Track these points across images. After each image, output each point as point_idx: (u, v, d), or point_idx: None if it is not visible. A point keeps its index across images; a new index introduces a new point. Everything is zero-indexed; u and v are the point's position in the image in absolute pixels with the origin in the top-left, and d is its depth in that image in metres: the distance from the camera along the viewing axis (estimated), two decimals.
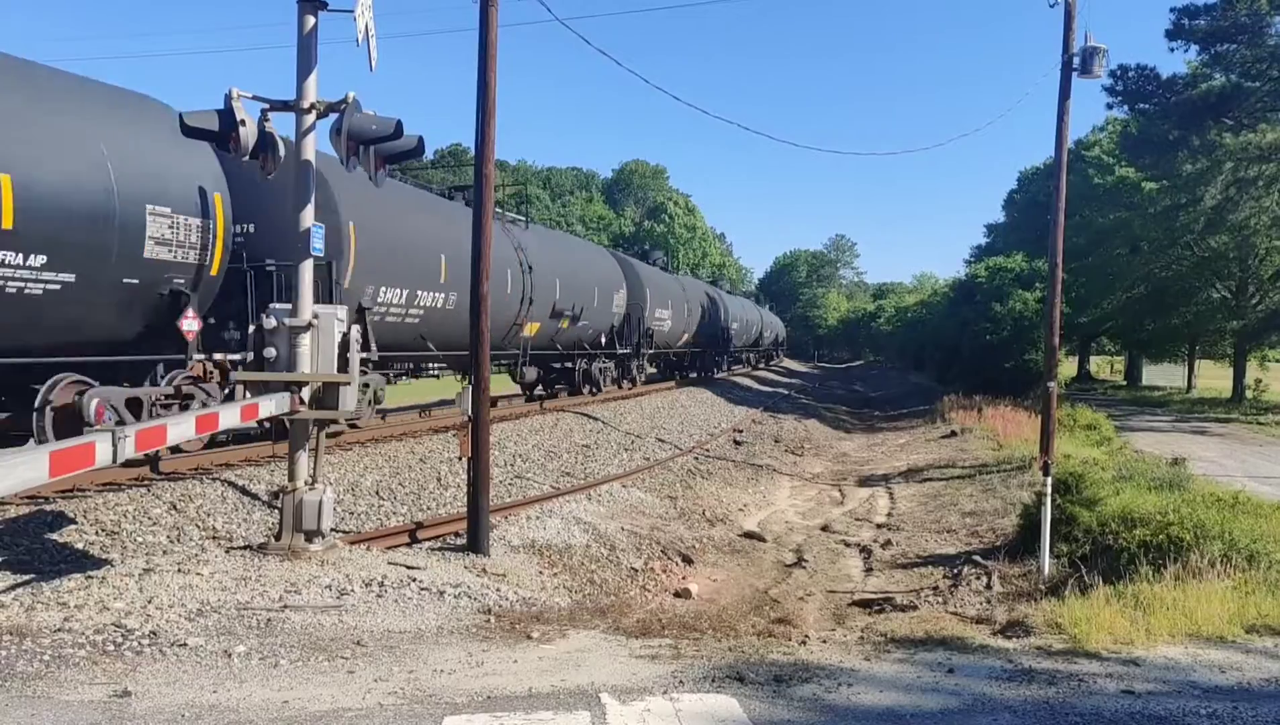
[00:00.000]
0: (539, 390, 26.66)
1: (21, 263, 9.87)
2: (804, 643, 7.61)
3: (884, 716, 5.58)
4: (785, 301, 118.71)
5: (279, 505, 9.32)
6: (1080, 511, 12.00)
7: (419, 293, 17.00)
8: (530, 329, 23.18)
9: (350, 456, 14.48)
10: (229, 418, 7.95)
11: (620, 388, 31.00)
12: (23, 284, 9.96)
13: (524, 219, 25.11)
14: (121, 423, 10.80)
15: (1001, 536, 13.97)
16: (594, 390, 28.23)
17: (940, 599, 11.29)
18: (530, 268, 22.42)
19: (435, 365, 19.87)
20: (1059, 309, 17.39)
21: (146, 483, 11.60)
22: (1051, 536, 11.56)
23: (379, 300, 15.82)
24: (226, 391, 12.61)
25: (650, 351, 34.83)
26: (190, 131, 8.65)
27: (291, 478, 9.18)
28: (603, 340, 29.09)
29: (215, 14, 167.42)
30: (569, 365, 27.31)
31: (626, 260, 34.41)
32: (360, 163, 8.95)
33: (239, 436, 13.90)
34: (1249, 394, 39.89)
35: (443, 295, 17.67)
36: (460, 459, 12.07)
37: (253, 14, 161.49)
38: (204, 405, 12.19)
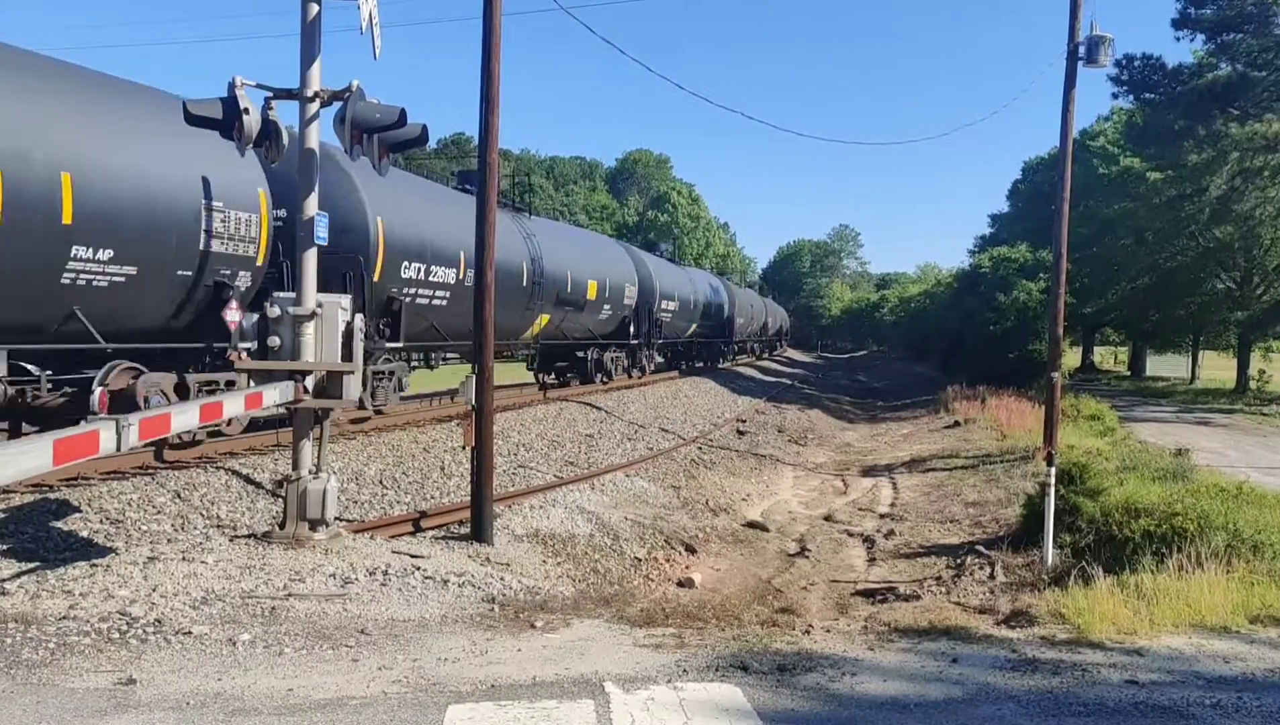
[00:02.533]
0: (550, 378, 27.24)
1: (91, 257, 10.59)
2: (807, 632, 7.62)
3: (888, 706, 5.59)
4: (789, 291, 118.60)
5: (283, 494, 9.34)
6: (1084, 502, 11.98)
7: (440, 283, 17.76)
8: (541, 320, 23.77)
9: (354, 445, 14.49)
10: (233, 406, 7.95)
11: (630, 377, 31.52)
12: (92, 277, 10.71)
13: (527, 209, 25.86)
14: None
15: (1005, 527, 13.96)
16: (605, 379, 28.76)
17: (944, 589, 11.29)
18: (540, 258, 22.76)
19: (450, 353, 20.66)
20: (1063, 299, 17.36)
21: (151, 471, 11.62)
22: (1055, 527, 11.54)
23: (404, 292, 16.64)
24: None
25: (660, 341, 35.40)
26: (194, 119, 8.63)
27: (295, 466, 9.19)
28: (614, 330, 29.73)
29: (218, 2, 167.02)
30: (580, 354, 27.80)
31: (636, 252, 34.96)
32: (364, 151, 8.93)
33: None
34: (1253, 385, 39.75)
35: (452, 272, 18.38)
36: (464, 448, 12.08)
37: (256, 2, 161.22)
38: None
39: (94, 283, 10.67)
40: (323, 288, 9.34)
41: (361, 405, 15.52)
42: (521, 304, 21.97)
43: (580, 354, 27.81)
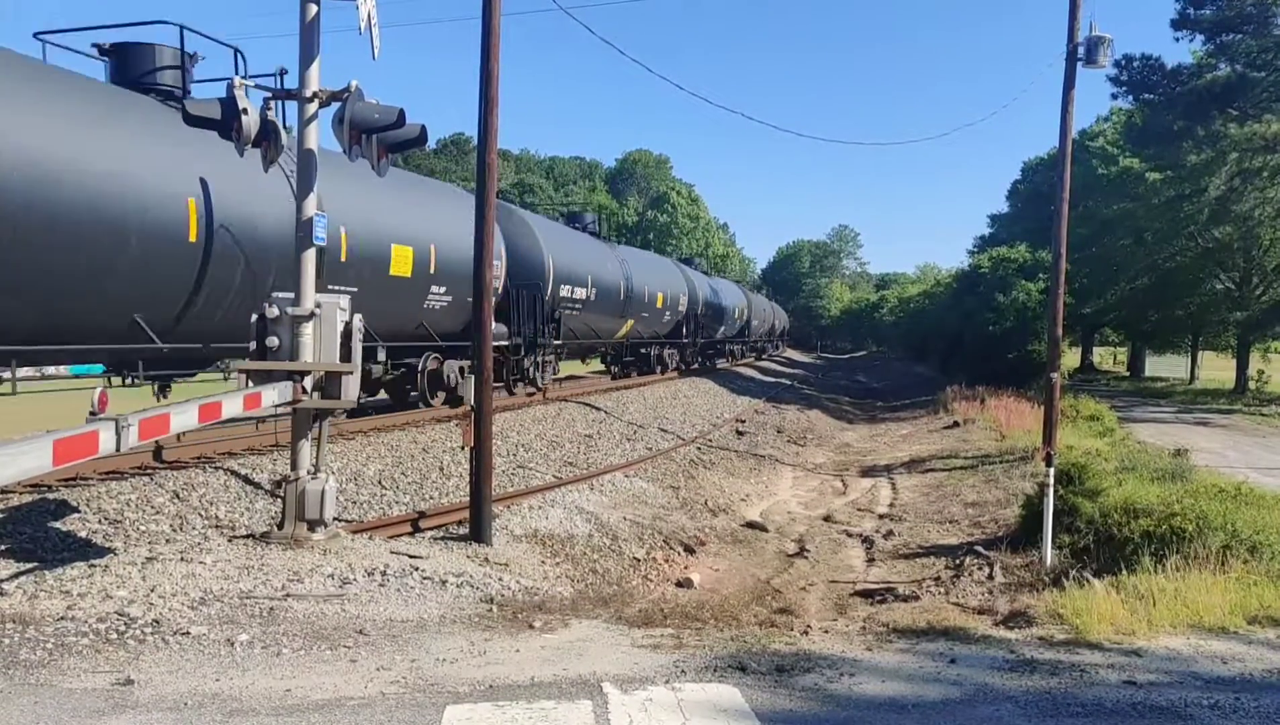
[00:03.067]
0: (616, 370, 34.50)
1: (439, 292, 17.36)
2: (806, 633, 7.62)
3: (886, 706, 5.59)
4: (788, 292, 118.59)
5: (282, 494, 9.33)
6: (1082, 502, 11.99)
7: (579, 299, 25.07)
8: (629, 324, 30.62)
9: (353, 446, 14.48)
10: (232, 407, 7.95)
11: (679, 370, 38.27)
12: (435, 302, 17.39)
13: (614, 239, 34.01)
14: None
15: (1004, 527, 13.97)
16: (663, 370, 36.09)
17: (942, 589, 11.30)
18: (630, 277, 29.90)
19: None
20: (1062, 300, 17.31)
21: (149, 471, 11.62)
22: (1054, 527, 11.56)
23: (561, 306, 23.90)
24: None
25: (702, 341, 42.14)
26: (193, 120, 8.63)
27: (294, 466, 9.19)
28: (670, 331, 36.71)
29: (216, 2, 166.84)
30: (645, 351, 34.83)
31: (685, 268, 42.15)
32: (363, 152, 8.93)
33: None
34: (1252, 385, 39.79)
35: (585, 291, 25.56)
36: (463, 448, 12.07)
37: (254, 2, 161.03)
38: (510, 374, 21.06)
39: (434, 306, 17.31)
40: (514, 306, 17.67)
41: (536, 384, 22.09)
42: (617, 312, 28.89)
43: (644, 351, 34.66)
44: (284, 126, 9.05)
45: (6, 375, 10.55)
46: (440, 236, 17.12)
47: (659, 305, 33.54)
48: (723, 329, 47.71)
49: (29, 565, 8.21)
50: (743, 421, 28.06)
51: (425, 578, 8.49)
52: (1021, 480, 16.56)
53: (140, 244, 10.59)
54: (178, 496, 10.90)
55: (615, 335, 30.00)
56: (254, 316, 9.13)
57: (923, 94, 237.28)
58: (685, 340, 38.55)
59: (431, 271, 16.91)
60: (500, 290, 19.50)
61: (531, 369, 21.98)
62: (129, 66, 12.29)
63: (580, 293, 24.95)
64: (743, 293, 57.67)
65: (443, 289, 17.39)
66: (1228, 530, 9.61)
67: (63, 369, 13.78)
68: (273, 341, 8.89)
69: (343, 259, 14.06)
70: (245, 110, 8.49)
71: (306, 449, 9.21)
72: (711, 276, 52.94)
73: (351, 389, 9.23)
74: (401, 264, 15.97)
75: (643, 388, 30.17)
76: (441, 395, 18.50)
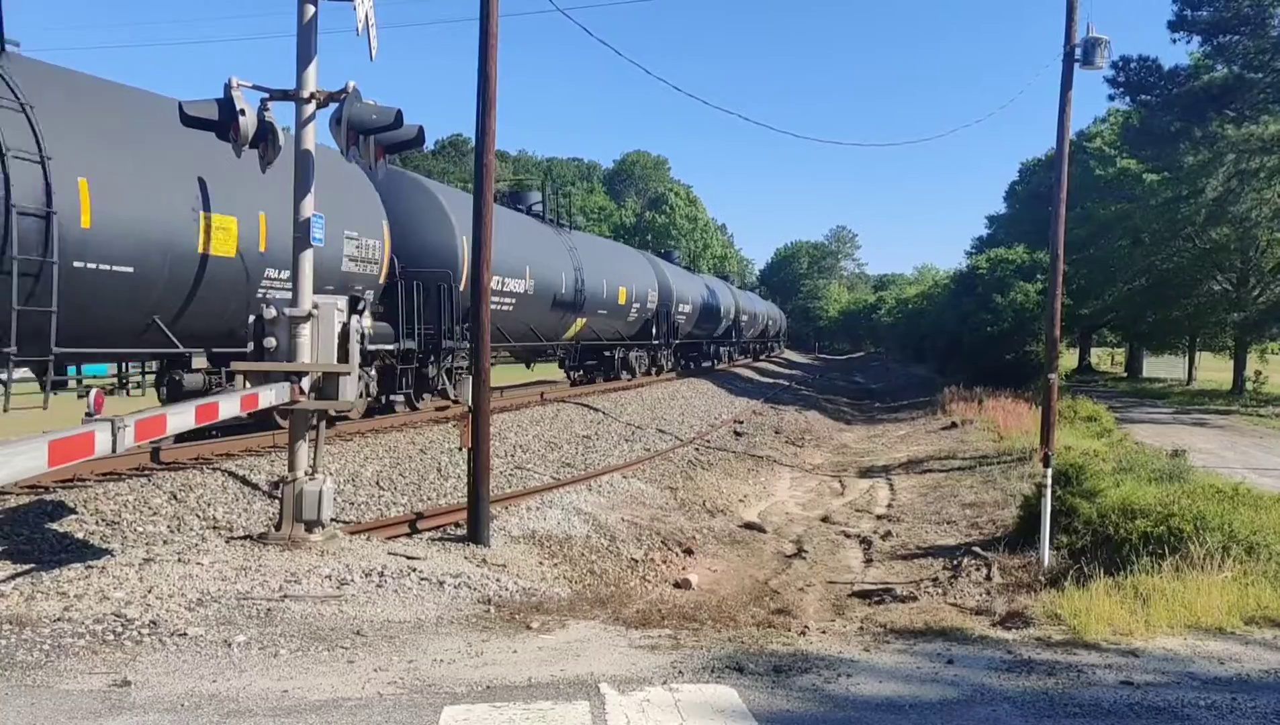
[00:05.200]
0: (579, 376, 30.45)
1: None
2: (803, 633, 7.62)
3: (883, 707, 5.59)
4: (786, 293, 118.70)
5: (279, 495, 9.33)
6: (1080, 503, 11.99)
7: (510, 292, 21.58)
8: (579, 323, 26.70)
9: (351, 447, 14.48)
10: (229, 407, 7.95)
11: (651, 374, 34.53)
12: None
13: (568, 224, 29.46)
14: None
15: (1001, 528, 13.98)
16: (630, 376, 31.93)
17: (940, 590, 11.31)
18: (582, 268, 26.01)
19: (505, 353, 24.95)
20: (1060, 301, 17.34)
21: (147, 472, 11.61)
22: (1051, 528, 11.55)
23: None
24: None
25: (676, 342, 38.25)
26: (190, 121, 8.63)
27: (292, 468, 9.18)
28: (637, 332, 32.78)
29: (213, 3, 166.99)
30: (608, 354, 30.82)
31: (656, 261, 37.86)
32: (360, 153, 8.93)
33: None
34: (1249, 386, 39.79)
35: (521, 283, 21.98)
36: (461, 450, 12.07)
37: (251, 3, 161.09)
38: None
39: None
40: (404, 301, 15.31)
41: (446, 395, 18.92)
42: (564, 308, 25.13)
43: (608, 353, 30.75)
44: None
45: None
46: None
47: (621, 301, 29.67)
48: (706, 329, 45.24)
49: (26, 566, 8.20)
50: (741, 422, 28.06)
51: (423, 579, 8.48)
52: (1019, 481, 16.56)
53: None
54: (175, 498, 10.89)
55: (562, 336, 26.13)
56: (251, 317, 9.13)
57: (921, 95, 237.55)
58: (656, 341, 34.69)
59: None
60: (381, 278, 16.46)
61: (441, 379, 18.62)
62: None
63: (514, 285, 21.38)
64: (729, 289, 54.85)
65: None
66: (1225, 531, 9.61)
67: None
68: (270, 342, 8.89)
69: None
70: (243, 111, 8.49)
71: (304, 450, 9.21)
72: (697, 272, 50.71)
73: (349, 390, 9.22)
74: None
75: (640, 389, 30.15)
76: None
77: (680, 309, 38.02)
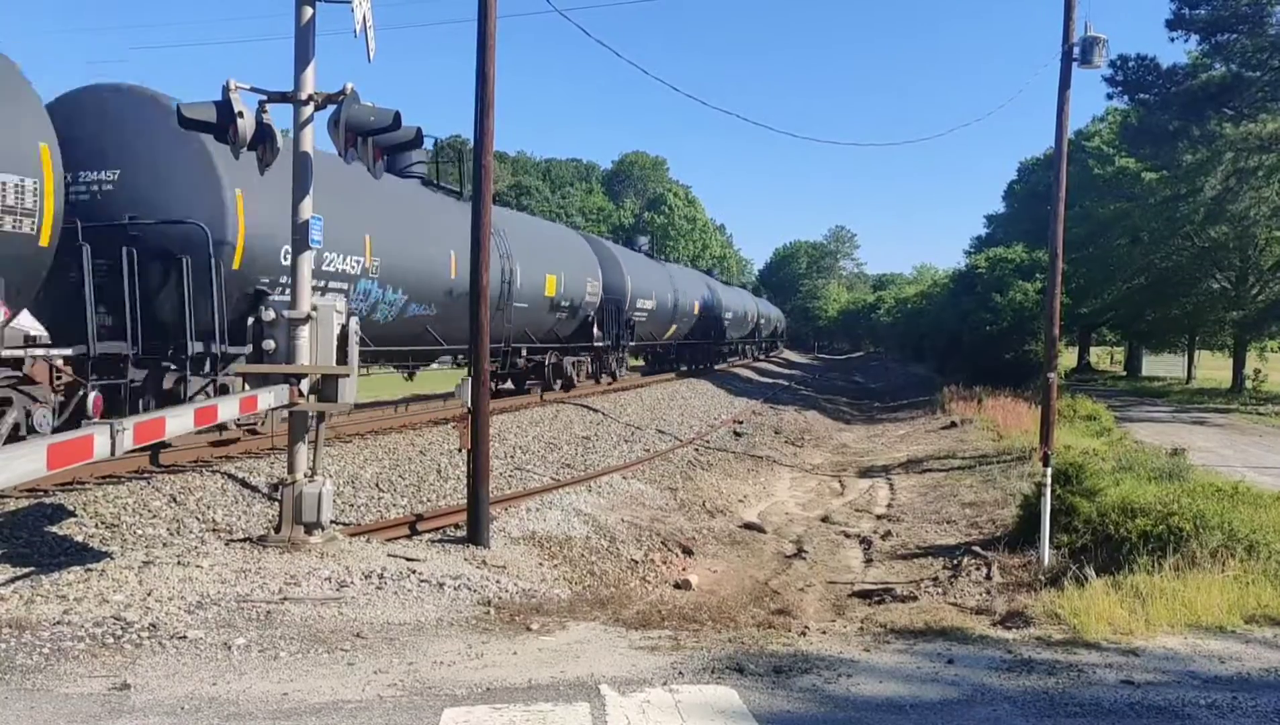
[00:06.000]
0: (496, 384, 23.16)
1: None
2: (804, 634, 7.62)
3: (884, 707, 5.59)
4: (785, 292, 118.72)
5: (278, 497, 9.31)
6: (1080, 502, 11.98)
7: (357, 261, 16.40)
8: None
9: (350, 448, 14.47)
10: (228, 410, 7.95)
11: (598, 383, 28.56)
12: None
13: (458, 191, 20.84)
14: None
15: (1001, 527, 13.97)
16: (565, 386, 25.61)
17: (940, 590, 11.30)
18: (509, 255, 20.35)
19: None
20: (1059, 300, 17.34)
21: (146, 475, 11.60)
22: (1051, 527, 11.55)
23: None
24: None
25: (632, 343, 32.10)
26: (187, 123, 8.62)
27: (291, 470, 9.17)
28: (574, 332, 26.52)
29: (210, 6, 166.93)
30: (538, 358, 24.34)
31: (601, 243, 31.47)
32: (359, 154, 8.92)
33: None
34: (1248, 385, 39.82)
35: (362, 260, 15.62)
36: (460, 451, 12.06)
37: (248, 6, 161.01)
38: None
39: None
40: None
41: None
42: (449, 300, 18.15)
43: (537, 358, 24.24)
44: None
45: None
46: None
47: (549, 293, 23.81)
48: (673, 329, 38.73)
49: (25, 570, 8.19)
50: (740, 422, 28.06)
51: (423, 580, 8.48)
52: (1019, 480, 16.55)
53: None
54: (174, 500, 10.88)
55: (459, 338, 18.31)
56: (250, 320, 9.13)
57: (920, 95, 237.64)
58: (601, 343, 28.10)
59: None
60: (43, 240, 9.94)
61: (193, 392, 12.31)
62: None
63: (351, 264, 15.12)
64: (704, 281, 47.91)
65: None
66: (1225, 529, 9.60)
67: None
68: (269, 344, 8.88)
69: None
70: (241, 113, 8.48)
71: (304, 452, 9.20)
72: (661, 261, 42.47)
73: (349, 391, 9.21)
74: None
75: (640, 390, 30.11)
76: None
77: (641, 305, 32.16)
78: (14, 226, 9.83)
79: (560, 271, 24.72)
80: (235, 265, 12.55)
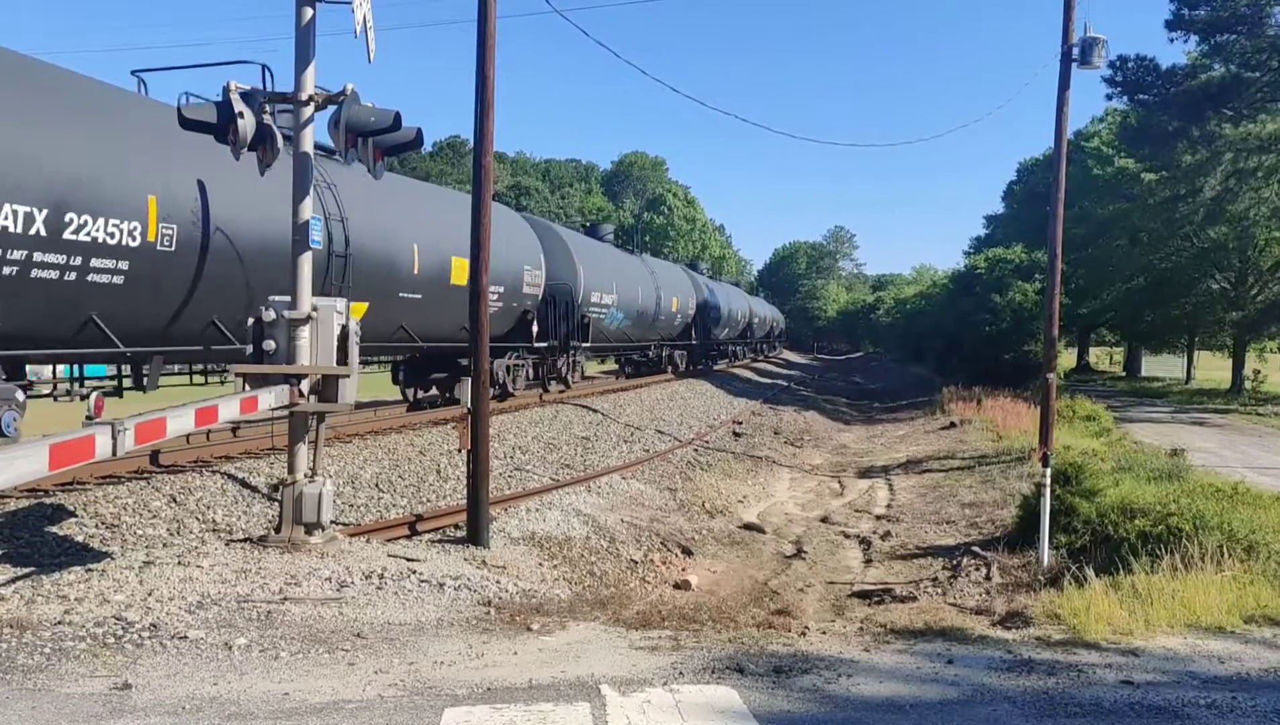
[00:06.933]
0: (415, 394, 21.06)
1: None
2: (803, 634, 7.63)
3: (883, 707, 5.60)
4: (784, 293, 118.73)
5: (279, 498, 9.32)
6: (1079, 502, 12.00)
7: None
8: (356, 311, 13.19)
9: (350, 449, 14.48)
10: (228, 410, 7.95)
11: (547, 391, 24.63)
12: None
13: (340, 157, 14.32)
14: None
15: (1001, 528, 13.99)
16: (501, 395, 21.30)
17: (939, 590, 11.31)
18: (345, 221, 14.47)
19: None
20: (1058, 300, 17.32)
21: (146, 475, 11.60)
22: (1051, 527, 11.56)
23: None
24: None
25: (587, 344, 27.22)
26: (188, 124, 8.63)
27: (291, 470, 9.18)
28: (510, 330, 21.94)
29: (211, 6, 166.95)
30: (464, 361, 17.81)
31: (548, 226, 26.77)
32: (359, 155, 8.93)
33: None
34: (1248, 385, 39.86)
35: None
36: (460, 451, 12.07)
37: (249, 7, 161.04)
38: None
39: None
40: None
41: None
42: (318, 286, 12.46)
43: (463, 361, 18.24)
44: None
45: None
46: None
47: (456, 281, 17.69)
48: (655, 329, 35.38)
49: (26, 570, 8.19)
50: (739, 423, 28.06)
51: (423, 580, 8.48)
52: (1018, 481, 16.57)
53: None
54: (175, 500, 10.89)
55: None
56: (250, 320, 9.13)
57: (919, 96, 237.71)
58: (545, 343, 23.48)
59: None
60: None
61: None
62: None
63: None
64: (692, 278, 44.00)
65: None
66: (1224, 530, 9.62)
67: None
68: (269, 345, 8.88)
69: None
70: (241, 114, 8.49)
71: (304, 452, 9.21)
72: (637, 253, 37.88)
73: (349, 392, 9.22)
74: None
75: (639, 390, 30.11)
76: None
77: (600, 300, 27.84)
78: None
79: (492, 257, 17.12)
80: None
